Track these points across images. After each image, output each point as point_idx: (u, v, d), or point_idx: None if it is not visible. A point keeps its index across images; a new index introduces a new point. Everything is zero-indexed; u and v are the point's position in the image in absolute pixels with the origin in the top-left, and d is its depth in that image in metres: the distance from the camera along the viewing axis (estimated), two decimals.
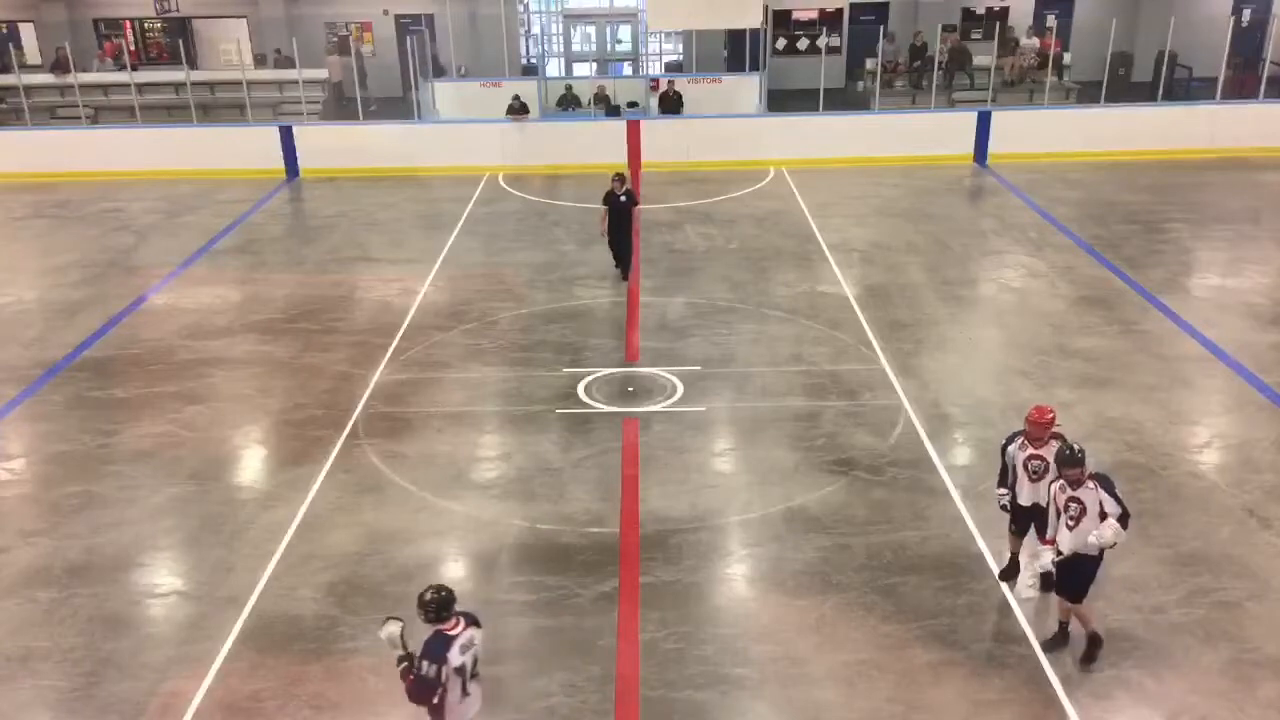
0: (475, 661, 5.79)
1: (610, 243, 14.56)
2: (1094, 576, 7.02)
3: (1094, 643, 7.13)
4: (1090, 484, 6.87)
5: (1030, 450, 7.52)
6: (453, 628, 5.71)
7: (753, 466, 9.87)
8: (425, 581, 8.14)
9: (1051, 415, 7.50)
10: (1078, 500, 6.87)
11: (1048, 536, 7.13)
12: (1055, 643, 7.27)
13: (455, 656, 5.62)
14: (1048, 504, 7.42)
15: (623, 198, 14.14)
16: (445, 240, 17.04)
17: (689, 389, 11.33)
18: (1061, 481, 6.97)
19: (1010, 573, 8.01)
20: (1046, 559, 7.02)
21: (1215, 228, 16.98)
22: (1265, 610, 7.69)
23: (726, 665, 7.24)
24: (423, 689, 5.59)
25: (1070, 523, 6.90)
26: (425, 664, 5.58)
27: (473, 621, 5.85)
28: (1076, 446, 6.97)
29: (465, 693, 5.73)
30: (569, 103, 24.44)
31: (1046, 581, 7.77)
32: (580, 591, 8.06)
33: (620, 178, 14.27)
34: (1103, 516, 6.81)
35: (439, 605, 5.70)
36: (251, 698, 7.05)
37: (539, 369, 11.97)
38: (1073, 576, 7.00)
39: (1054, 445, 7.41)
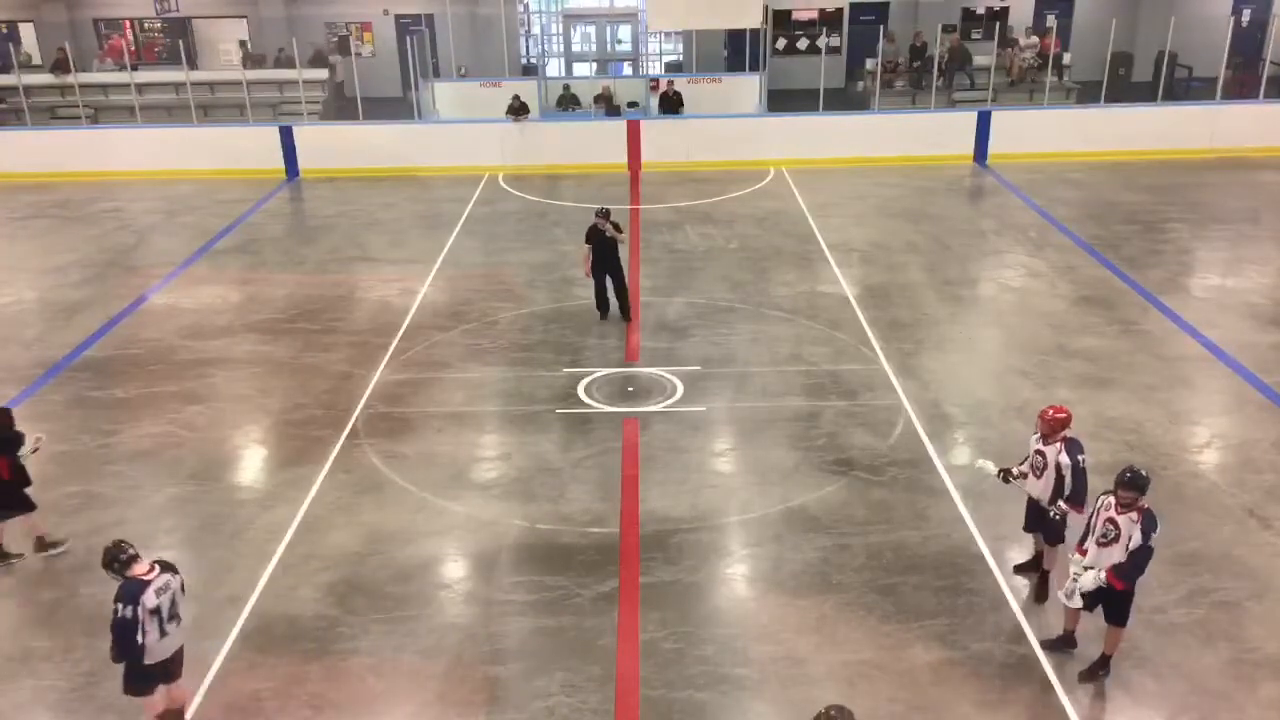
0: (174, 604, 6.32)
1: (597, 283, 13.14)
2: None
3: (1105, 664, 7.02)
4: (1136, 515, 6.63)
5: (1038, 445, 7.50)
6: (147, 574, 6.22)
7: (752, 466, 9.86)
8: (426, 581, 8.24)
9: (1064, 416, 7.41)
10: (1115, 524, 6.67)
11: (1083, 546, 6.93)
12: (1058, 646, 7.23)
13: (150, 599, 6.14)
14: (1051, 508, 7.40)
15: (608, 232, 12.82)
16: (445, 240, 17.04)
17: (689, 389, 11.33)
18: (1112, 500, 6.73)
19: (1029, 567, 7.98)
20: (1081, 570, 6.88)
21: (1215, 228, 16.99)
22: (1265, 610, 7.69)
23: (726, 665, 7.24)
24: (122, 631, 6.04)
25: (1100, 541, 6.76)
26: (120, 607, 6.05)
27: (168, 568, 6.39)
28: (1144, 472, 6.71)
29: (164, 632, 6.26)
30: (568, 103, 24.45)
31: (1042, 593, 7.77)
32: (580, 591, 8.06)
33: (604, 212, 12.90)
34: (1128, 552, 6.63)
35: (113, 555, 6.21)
36: (251, 697, 7.05)
37: (539, 369, 11.97)
38: (1123, 604, 6.84)
39: (1058, 446, 7.38)
